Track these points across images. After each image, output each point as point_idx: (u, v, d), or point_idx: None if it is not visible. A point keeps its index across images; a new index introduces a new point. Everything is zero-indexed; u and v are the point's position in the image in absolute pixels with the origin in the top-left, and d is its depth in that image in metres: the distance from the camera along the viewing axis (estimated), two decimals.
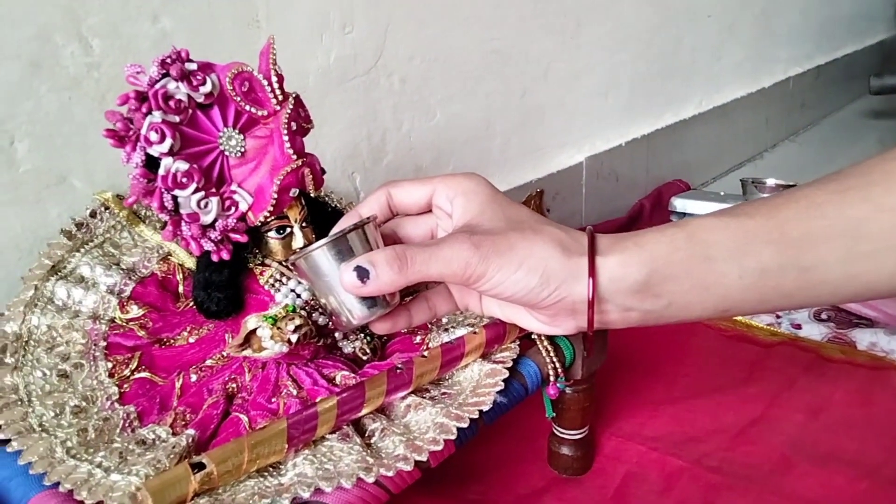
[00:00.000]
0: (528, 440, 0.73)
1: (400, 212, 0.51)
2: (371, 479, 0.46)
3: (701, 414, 0.76)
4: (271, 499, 0.44)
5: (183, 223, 0.49)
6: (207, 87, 0.49)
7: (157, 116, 0.47)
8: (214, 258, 0.51)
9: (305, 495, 0.44)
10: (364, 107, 0.83)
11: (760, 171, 1.66)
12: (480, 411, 0.52)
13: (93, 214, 0.62)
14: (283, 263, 0.55)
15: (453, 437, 0.49)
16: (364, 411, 0.50)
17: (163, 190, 0.47)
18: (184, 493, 0.41)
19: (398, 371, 0.52)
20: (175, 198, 0.48)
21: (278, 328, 0.52)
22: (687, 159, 1.45)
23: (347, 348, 0.60)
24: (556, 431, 0.69)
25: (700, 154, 1.50)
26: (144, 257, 0.62)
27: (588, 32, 1.15)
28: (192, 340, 0.57)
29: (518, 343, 0.59)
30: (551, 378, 0.60)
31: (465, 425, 0.50)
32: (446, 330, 0.63)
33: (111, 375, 0.54)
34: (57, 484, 0.44)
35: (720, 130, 1.56)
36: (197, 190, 0.48)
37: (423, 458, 0.48)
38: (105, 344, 0.56)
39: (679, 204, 1.12)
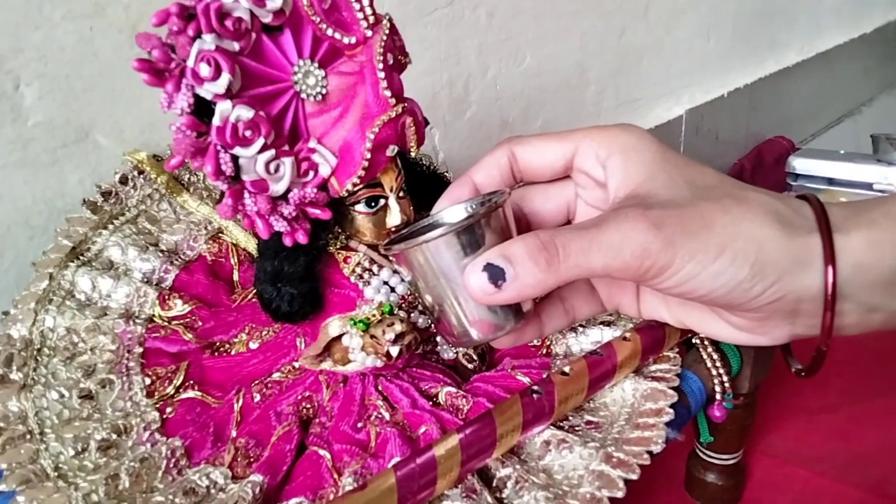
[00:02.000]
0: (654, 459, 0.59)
1: (526, 178, 0.37)
2: None
3: (866, 427, 0.62)
4: None
5: (246, 194, 0.35)
6: (277, 2, 0.35)
7: (208, 41, 0.33)
8: (287, 241, 0.37)
9: None
10: (446, 46, 0.69)
11: (861, 128, 1.48)
12: (650, 452, 0.38)
13: (123, 181, 0.48)
14: (375, 248, 0.41)
15: (621, 495, 0.35)
16: (495, 455, 0.36)
17: (219, 147, 0.33)
18: None
19: (535, 396, 0.38)
20: (236, 158, 0.34)
21: (372, 336, 0.38)
22: (787, 113, 1.29)
23: (448, 353, 0.46)
24: (700, 453, 0.55)
25: (801, 107, 1.34)
26: (189, 235, 0.49)
27: None
28: (253, 346, 0.43)
29: (677, 350, 0.45)
30: (717, 395, 0.46)
31: (634, 477, 0.36)
32: (573, 329, 0.49)
33: (150, 395, 0.41)
34: None
35: (820, 81, 1.39)
36: (265, 147, 0.34)
37: None
38: (141, 350, 0.43)
39: (799, 165, 0.96)
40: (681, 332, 0.44)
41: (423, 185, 0.45)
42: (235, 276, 0.48)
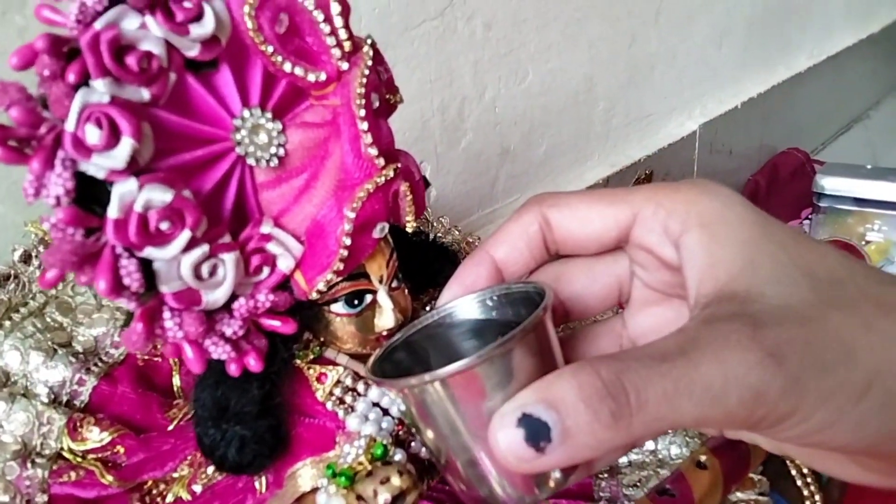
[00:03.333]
0: None
1: (565, 251, 0.27)
2: None
3: None
4: None
5: (167, 313, 0.23)
6: (207, 26, 0.23)
7: (99, 90, 0.21)
8: (233, 370, 0.25)
9: None
10: (436, 65, 0.58)
11: (872, 134, 1.40)
12: None
13: (26, 259, 0.37)
14: (360, 357, 0.30)
15: None
16: None
17: (118, 250, 0.22)
18: None
19: None
20: (146, 264, 0.23)
21: (359, 498, 0.27)
22: (799, 122, 1.21)
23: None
24: None
25: (812, 115, 1.27)
26: (115, 326, 0.37)
27: None
28: (196, 489, 0.32)
29: (763, 469, 0.35)
30: None
31: None
32: None
33: None
34: None
35: (830, 86, 1.32)
36: (193, 243, 0.23)
37: None
38: (46, 499, 0.31)
39: (828, 184, 0.86)
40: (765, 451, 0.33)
41: (423, 260, 0.34)
42: (176, 381, 0.37)
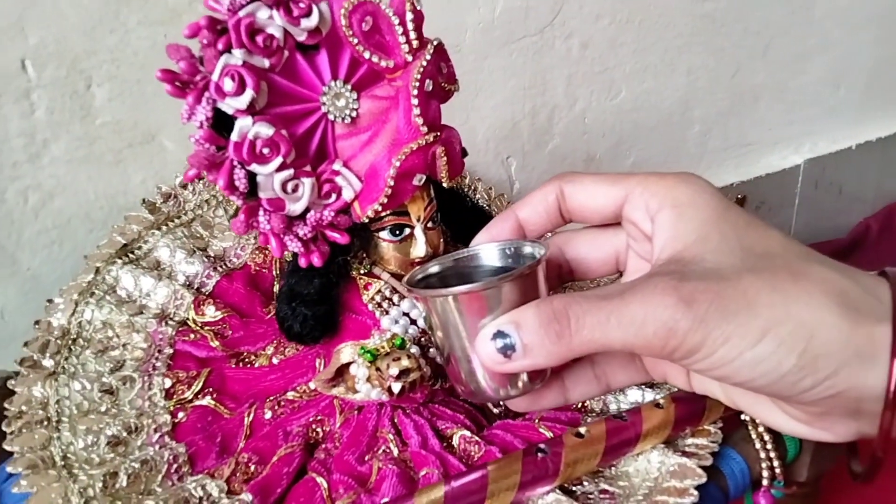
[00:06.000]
0: None
1: (575, 218, 0.34)
2: None
3: None
4: None
5: (261, 211, 0.35)
6: (313, 21, 0.34)
7: (236, 56, 0.33)
8: (301, 263, 0.36)
9: None
10: (531, 75, 0.67)
11: None
12: None
13: (184, 184, 0.50)
14: (399, 277, 0.40)
15: None
16: None
17: (235, 163, 0.33)
18: None
19: (539, 456, 0.35)
20: (252, 175, 0.34)
21: (377, 369, 0.37)
22: None
23: None
24: None
25: None
26: (238, 244, 0.49)
27: (824, 3, 0.90)
28: (276, 361, 0.43)
29: (720, 425, 0.41)
30: (764, 481, 0.41)
31: None
32: None
33: (169, 396, 0.42)
34: None
35: None
36: (283, 167, 0.34)
37: None
38: (171, 352, 0.44)
39: None
40: (726, 407, 0.39)
41: (463, 216, 0.43)
42: (275, 288, 0.48)
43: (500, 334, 0.28)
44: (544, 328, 0.27)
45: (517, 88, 0.67)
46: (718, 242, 0.28)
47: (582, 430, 0.37)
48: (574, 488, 0.38)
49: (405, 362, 0.36)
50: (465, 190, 0.61)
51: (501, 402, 0.44)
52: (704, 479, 0.37)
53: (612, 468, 0.39)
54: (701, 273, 0.27)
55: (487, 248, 0.33)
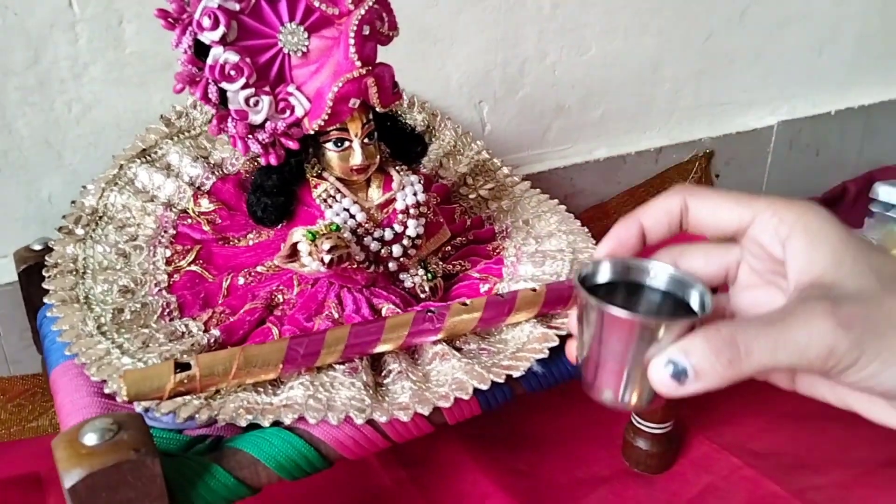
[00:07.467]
0: (604, 423, 0.65)
1: (692, 231, 0.37)
2: (360, 421, 0.42)
3: (827, 439, 0.63)
4: (254, 416, 0.42)
5: (229, 119, 0.47)
6: None
7: (213, 0, 0.44)
8: (262, 161, 0.48)
9: (286, 421, 0.41)
10: (503, 30, 0.76)
11: None
12: (509, 376, 0.46)
13: (194, 105, 0.62)
14: (343, 180, 0.52)
15: (466, 398, 0.44)
16: (379, 349, 0.46)
17: (209, 80, 0.45)
18: (160, 389, 0.40)
19: (429, 315, 0.47)
20: (223, 91, 0.46)
21: (315, 245, 0.49)
22: None
23: (408, 282, 0.56)
24: (633, 420, 0.60)
25: None
26: (234, 155, 0.62)
27: None
28: (251, 242, 0.56)
29: None
30: None
31: (484, 387, 0.44)
32: (526, 281, 0.56)
33: (168, 263, 0.54)
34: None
35: None
36: (246, 86, 0.46)
37: (426, 411, 0.43)
38: (174, 233, 0.57)
39: (883, 192, 0.92)
40: None
41: (399, 140, 0.55)
42: None
43: (673, 363, 0.30)
44: (715, 355, 0.29)
45: (490, 41, 0.76)
46: (852, 267, 0.31)
47: (467, 301, 0.49)
48: (461, 345, 0.50)
49: (333, 241, 0.48)
50: (437, 127, 0.72)
51: (427, 291, 0.56)
52: (557, 343, 0.48)
53: (496, 335, 0.51)
54: (847, 296, 0.30)
55: (661, 269, 0.35)
